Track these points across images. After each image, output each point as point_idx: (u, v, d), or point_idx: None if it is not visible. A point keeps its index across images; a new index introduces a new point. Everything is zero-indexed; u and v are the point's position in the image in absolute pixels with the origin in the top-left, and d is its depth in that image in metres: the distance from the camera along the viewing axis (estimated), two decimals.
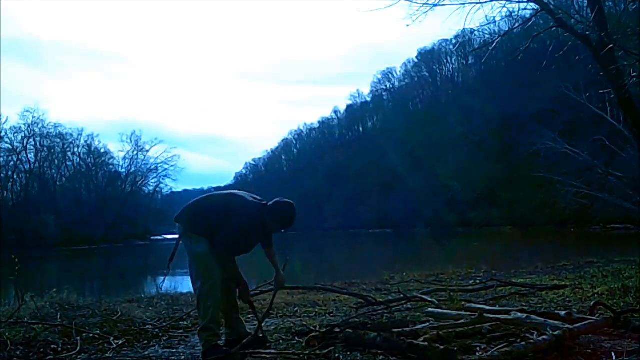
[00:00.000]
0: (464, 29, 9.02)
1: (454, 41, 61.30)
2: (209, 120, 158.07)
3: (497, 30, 12.12)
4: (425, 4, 7.07)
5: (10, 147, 51.48)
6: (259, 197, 4.03)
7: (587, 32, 7.11)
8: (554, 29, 7.50)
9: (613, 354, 3.35)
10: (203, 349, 3.72)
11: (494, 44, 8.16)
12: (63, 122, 58.28)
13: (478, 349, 3.55)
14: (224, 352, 3.63)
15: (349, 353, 3.65)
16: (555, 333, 3.46)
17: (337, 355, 3.61)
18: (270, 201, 3.92)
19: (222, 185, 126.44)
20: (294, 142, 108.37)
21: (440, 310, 4.90)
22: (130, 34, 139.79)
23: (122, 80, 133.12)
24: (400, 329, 3.98)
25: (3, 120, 49.97)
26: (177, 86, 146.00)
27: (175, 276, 10.81)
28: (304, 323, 4.89)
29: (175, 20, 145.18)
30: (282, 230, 3.91)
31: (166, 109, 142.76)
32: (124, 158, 62.02)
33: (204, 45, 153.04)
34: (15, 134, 52.44)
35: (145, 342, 4.44)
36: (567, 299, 5.84)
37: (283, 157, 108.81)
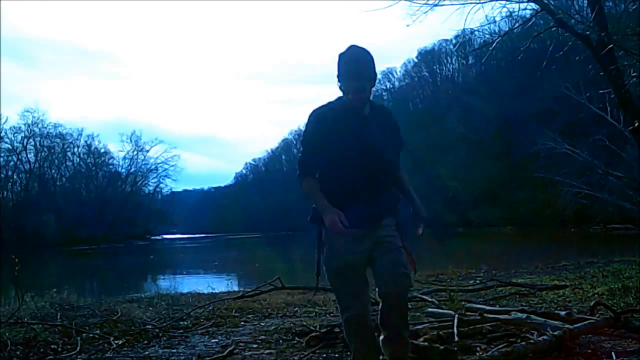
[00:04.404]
0: (464, 29, 8.98)
1: (454, 41, 61.14)
2: (206, 120, 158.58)
3: (497, 30, 12.09)
4: (425, 4, 7.06)
5: (10, 147, 51.66)
6: None
7: (587, 32, 7.09)
8: (554, 29, 7.49)
9: (613, 354, 3.35)
10: None
11: (494, 44, 8.15)
12: (62, 122, 58.53)
13: (478, 349, 3.55)
14: None
15: (349, 353, 3.64)
16: (555, 333, 3.45)
17: (337, 355, 3.61)
18: None
19: (222, 185, 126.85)
20: (294, 142, 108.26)
21: (440, 310, 4.90)
22: (127, 35, 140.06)
23: (119, 80, 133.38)
24: None
25: (3, 120, 50.13)
26: (174, 86, 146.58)
27: (175, 276, 10.81)
28: (304, 323, 4.88)
29: (172, 21, 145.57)
30: (354, 78, 2.60)
31: (163, 109, 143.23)
32: (124, 158, 62.33)
33: (202, 45, 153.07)
34: (15, 134, 52.73)
35: (145, 342, 4.43)
36: (567, 299, 5.84)
37: (283, 157, 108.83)
